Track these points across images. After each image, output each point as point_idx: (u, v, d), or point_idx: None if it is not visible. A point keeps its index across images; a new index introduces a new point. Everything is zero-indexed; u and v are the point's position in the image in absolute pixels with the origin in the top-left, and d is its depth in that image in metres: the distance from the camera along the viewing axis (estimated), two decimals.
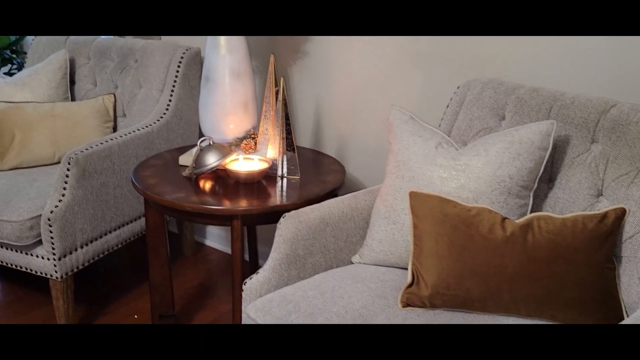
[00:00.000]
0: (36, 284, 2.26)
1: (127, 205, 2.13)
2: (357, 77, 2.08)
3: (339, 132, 2.19)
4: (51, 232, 1.84)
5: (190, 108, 2.39)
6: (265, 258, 2.47)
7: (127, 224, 2.15)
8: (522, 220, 1.24)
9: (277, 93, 1.86)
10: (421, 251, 1.30)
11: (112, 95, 2.37)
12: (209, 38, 1.86)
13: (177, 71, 2.32)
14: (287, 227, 1.44)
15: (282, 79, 1.75)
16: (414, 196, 1.33)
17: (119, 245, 2.13)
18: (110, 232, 2.07)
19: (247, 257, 2.63)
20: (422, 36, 1.88)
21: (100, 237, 2.03)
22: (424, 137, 1.45)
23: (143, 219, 2.22)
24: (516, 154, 1.33)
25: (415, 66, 1.93)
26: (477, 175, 1.33)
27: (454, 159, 1.38)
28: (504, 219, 1.25)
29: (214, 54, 1.86)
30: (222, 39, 1.84)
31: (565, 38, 1.61)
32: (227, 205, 1.62)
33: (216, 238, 2.74)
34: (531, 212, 1.39)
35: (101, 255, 2.05)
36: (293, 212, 1.48)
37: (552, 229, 1.21)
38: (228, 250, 2.70)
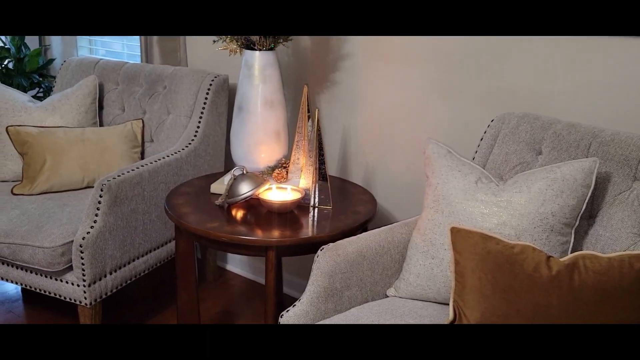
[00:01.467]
0: (63, 309, 2.26)
1: (155, 231, 2.13)
2: (386, 107, 2.09)
3: (366, 161, 2.19)
4: (82, 258, 1.84)
5: (217, 134, 2.40)
6: (289, 285, 2.48)
7: (155, 249, 2.15)
8: (567, 259, 1.23)
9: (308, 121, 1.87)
10: (463, 288, 1.29)
11: (141, 121, 2.39)
12: (243, 68, 1.88)
13: (206, 98, 2.34)
14: (325, 260, 1.44)
15: (317, 110, 1.76)
16: (456, 232, 1.32)
17: (146, 271, 2.13)
18: (138, 258, 2.07)
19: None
20: (453, 68, 1.89)
21: (129, 263, 2.03)
22: (462, 172, 1.45)
23: (169, 245, 2.23)
24: (559, 191, 1.33)
25: (445, 98, 1.94)
26: (520, 212, 1.33)
27: (495, 195, 1.37)
28: (548, 257, 1.24)
29: (247, 84, 1.87)
30: (256, 69, 1.86)
31: (598, 73, 1.62)
32: (261, 235, 1.62)
33: (238, 263, 2.73)
34: (572, 249, 1.38)
35: (129, 282, 2.05)
36: (331, 245, 1.47)
37: (599, 269, 1.20)
38: (249, 276, 2.70)
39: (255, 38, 1.79)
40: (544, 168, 1.38)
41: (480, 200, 1.38)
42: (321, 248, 1.47)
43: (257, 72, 1.86)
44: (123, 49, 3.02)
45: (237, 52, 1.87)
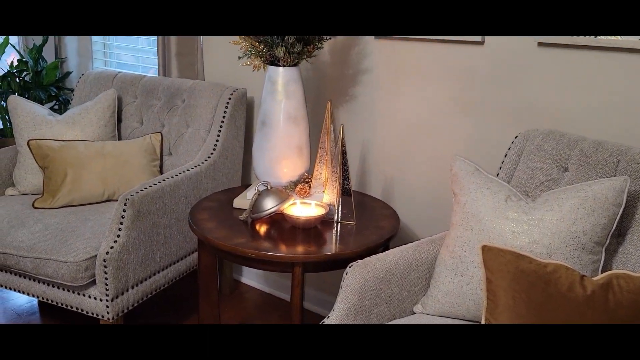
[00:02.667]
0: (83, 322, 2.26)
1: (175, 245, 2.13)
2: (406, 122, 2.10)
3: (384, 175, 2.20)
4: (106, 273, 1.84)
5: (236, 148, 2.42)
6: (306, 298, 2.48)
7: (174, 263, 2.16)
8: (600, 278, 1.24)
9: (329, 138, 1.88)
10: (496, 306, 1.29)
11: (159, 134, 2.40)
12: (267, 84, 1.89)
13: (225, 111, 2.35)
14: (354, 277, 1.44)
15: (342, 126, 1.77)
16: (487, 250, 1.33)
17: (166, 285, 2.13)
18: (159, 271, 2.07)
19: (286, 296, 2.63)
20: (474, 84, 1.90)
21: (150, 277, 2.03)
22: (492, 190, 1.46)
23: (188, 258, 2.23)
24: (590, 210, 1.33)
25: (466, 114, 1.95)
26: (552, 230, 1.33)
27: (525, 213, 1.38)
28: (582, 276, 1.24)
29: (271, 100, 1.88)
30: (280, 84, 1.87)
31: (622, 90, 1.63)
32: (287, 251, 1.62)
33: (253, 276, 2.73)
34: (602, 268, 1.38)
35: (149, 296, 2.05)
36: (360, 261, 1.48)
37: (633, 289, 1.20)
38: (264, 288, 2.70)
39: (279, 54, 1.81)
40: (574, 186, 1.39)
41: (511, 218, 1.38)
42: (350, 265, 1.47)
43: (281, 87, 1.87)
44: (137, 61, 3.04)
45: (260, 67, 1.89)
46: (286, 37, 1.78)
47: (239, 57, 1.86)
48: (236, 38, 2.37)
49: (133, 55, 3.03)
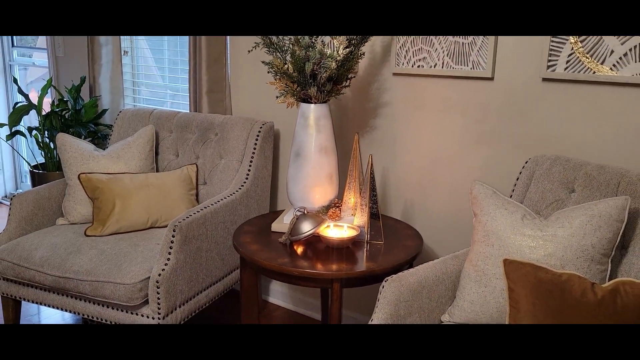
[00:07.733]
0: None
1: (215, 267, 2.32)
2: (424, 151, 2.31)
3: (404, 199, 2.40)
4: (158, 293, 2.03)
5: (264, 176, 2.62)
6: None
7: (214, 283, 2.34)
8: (608, 285, 1.43)
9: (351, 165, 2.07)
10: (518, 312, 1.48)
11: (195, 165, 2.61)
12: (299, 119, 2.10)
13: (255, 143, 2.56)
14: (390, 289, 1.63)
15: (370, 156, 1.98)
16: (508, 263, 1.52)
17: (207, 305, 2.31)
18: (201, 292, 2.26)
19: (310, 313, 2.80)
20: (486, 117, 2.12)
21: (194, 297, 2.22)
22: (509, 210, 1.66)
23: (225, 279, 2.41)
24: (597, 226, 1.53)
25: (480, 143, 2.16)
26: (564, 244, 1.53)
27: (540, 229, 1.58)
28: (592, 284, 1.43)
29: (304, 133, 2.09)
30: (312, 119, 2.08)
31: (617, 121, 1.84)
32: (326, 269, 1.81)
33: (279, 295, 2.91)
34: (609, 276, 1.57)
35: (193, 315, 2.23)
36: (394, 276, 1.67)
37: (638, 293, 1.39)
38: (290, 307, 2.88)
39: (312, 93, 2.02)
40: (582, 206, 1.59)
41: (528, 234, 1.58)
42: (386, 279, 1.66)
43: (313, 122, 2.08)
44: (166, 97, 3.27)
45: (294, 104, 2.10)
46: (318, 77, 2.00)
47: (277, 97, 2.08)
48: (271, 79, 2.59)
49: (163, 91, 3.25)
